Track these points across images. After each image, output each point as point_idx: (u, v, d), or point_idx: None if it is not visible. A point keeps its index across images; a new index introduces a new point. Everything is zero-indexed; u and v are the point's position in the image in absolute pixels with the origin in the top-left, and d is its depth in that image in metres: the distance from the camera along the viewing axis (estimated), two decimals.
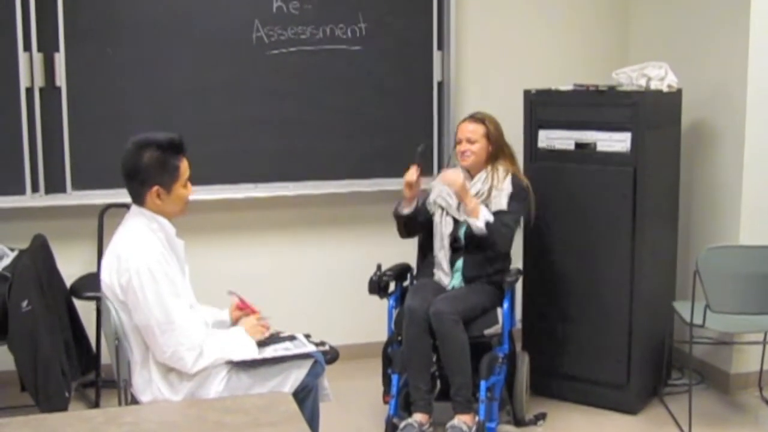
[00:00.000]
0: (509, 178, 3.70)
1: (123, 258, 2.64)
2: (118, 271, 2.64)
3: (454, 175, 3.66)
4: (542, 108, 4.04)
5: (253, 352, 2.77)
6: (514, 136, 4.04)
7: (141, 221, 2.72)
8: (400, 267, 3.89)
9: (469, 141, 3.73)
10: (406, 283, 3.92)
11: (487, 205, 3.66)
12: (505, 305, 3.66)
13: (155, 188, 2.68)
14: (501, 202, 3.66)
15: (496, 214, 3.64)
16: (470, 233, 3.70)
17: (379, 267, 3.77)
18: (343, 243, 4.64)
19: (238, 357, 2.74)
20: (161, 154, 2.68)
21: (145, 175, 2.68)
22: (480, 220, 3.58)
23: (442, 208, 3.78)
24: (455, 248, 3.75)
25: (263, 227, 4.54)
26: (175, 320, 2.62)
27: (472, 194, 3.67)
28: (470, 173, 3.77)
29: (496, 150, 3.76)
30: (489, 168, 3.75)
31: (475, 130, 3.74)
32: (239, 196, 4.35)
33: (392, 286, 3.82)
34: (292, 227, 4.58)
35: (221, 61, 4.23)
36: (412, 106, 4.52)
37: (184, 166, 2.74)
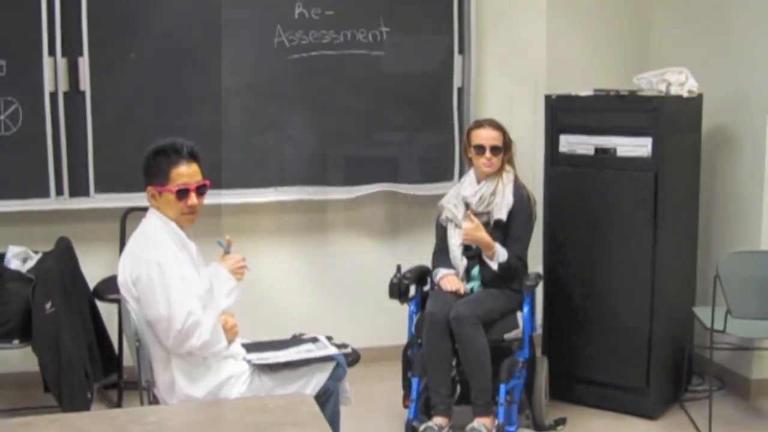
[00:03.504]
0: (511, 185, 3.73)
1: (136, 254, 2.75)
2: (131, 266, 2.74)
3: (473, 232, 3.67)
4: (563, 113, 4.03)
5: (231, 286, 2.87)
6: (535, 141, 4.10)
7: (155, 221, 2.82)
8: (419, 270, 3.89)
9: (493, 149, 3.72)
10: (427, 287, 3.92)
11: (487, 213, 3.72)
12: (525, 310, 3.67)
13: (148, 188, 2.82)
14: (501, 211, 3.69)
15: (506, 243, 3.69)
16: None
17: (398, 268, 3.77)
18: (363, 246, 4.64)
19: (228, 302, 2.85)
20: (154, 155, 2.81)
21: (143, 175, 2.83)
22: (494, 262, 3.65)
23: (451, 220, 3.82)
24: (469, 256, 3.76)
25: (282, 230, 4.56)
26: (173, 319, 2.65)
27: (474, 201, 3.73)
28: (477, 178, 3.80)
29: (509, 157, 3.78)
30: (496, 174, 3.77)
31: (498, 138, 3.74)
32: (259, 200, 4.37)
33: (412, 290, 3.82)
34: (312, 230, 4.59)
35: (243, 65, 4.25)
36: (433, 111, 4.53)
37: (178, 172, 2.80)
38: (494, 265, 3.65)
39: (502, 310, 3.66)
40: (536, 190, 3.92)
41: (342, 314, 4.53)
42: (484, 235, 3.65)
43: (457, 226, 3.77)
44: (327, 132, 4.41)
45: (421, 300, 3.84)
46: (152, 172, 2.82)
